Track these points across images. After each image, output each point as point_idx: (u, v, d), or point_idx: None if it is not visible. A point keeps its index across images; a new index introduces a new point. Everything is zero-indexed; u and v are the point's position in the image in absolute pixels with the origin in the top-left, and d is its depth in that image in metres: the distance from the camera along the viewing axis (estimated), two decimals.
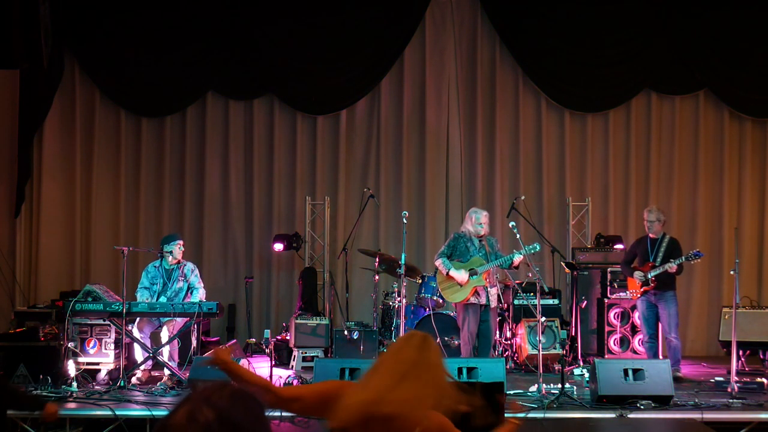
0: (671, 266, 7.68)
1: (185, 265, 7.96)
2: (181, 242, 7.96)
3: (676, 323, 7.86)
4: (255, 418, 1.47)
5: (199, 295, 7.77)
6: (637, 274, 7.93)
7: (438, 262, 7.69)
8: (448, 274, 7.54)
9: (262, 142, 10.60)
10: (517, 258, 7.48)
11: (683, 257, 7.74)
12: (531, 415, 6.10)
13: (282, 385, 6.87)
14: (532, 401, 6.46)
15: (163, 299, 7.75)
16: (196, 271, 8.00)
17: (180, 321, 7.60)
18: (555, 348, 8.28)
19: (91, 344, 7.64)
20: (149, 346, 7.61)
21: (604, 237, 9.86)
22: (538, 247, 7.55)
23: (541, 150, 10.51)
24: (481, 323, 7.57)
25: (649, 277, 7.81)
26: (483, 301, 7.54)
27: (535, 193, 10.44)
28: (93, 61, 10.42)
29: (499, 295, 7.95)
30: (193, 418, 1.42)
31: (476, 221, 7.68)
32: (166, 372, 7.45)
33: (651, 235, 8.05)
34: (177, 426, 1.42)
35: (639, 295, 7.99)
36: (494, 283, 7.65)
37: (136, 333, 7.58)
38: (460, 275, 7.48)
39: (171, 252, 7.84)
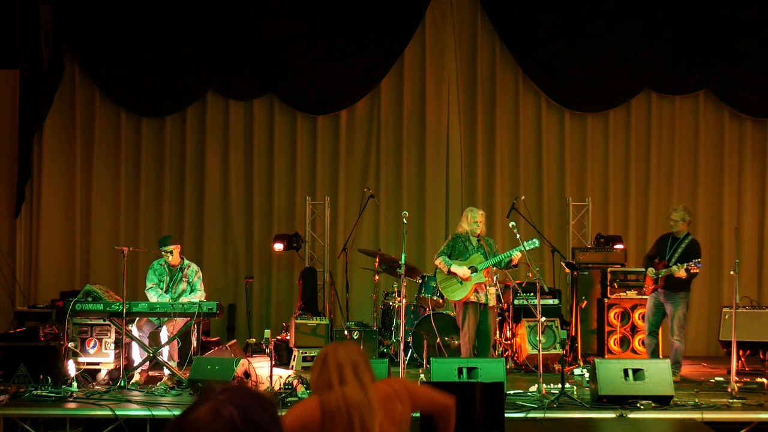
0: (678, 271, 7.56)
1: (189, 266, 7.96)
2: (171, 246, 7.85)
3: (680, 325, 7.75)
4: (272, 418, 1.51)
5: (198, 296, 7.76)
6: (650, 270, 7.89)
7: (438, 261, 7.70)
8: (449, 271, 7.55)
9: (262, 142, 10.60)
10: (516, 254, 7.47)
11: (685, 264, 7.54)
12: (531, 415, 6.11)
13: (282, 385, 6.86)
14: (532, 401, 6.46)
15: (167, 297, 7.75)
16: (200, 274, 7.99)
17: (180, 321, 7.60)
18: (555, 348, 8.27)
19: (91, 344, 7.63)
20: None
21: (604, 237, 9.86)
22: (537, 243, 7.53)
23: (541, 150, 10.51)
24: (480, 323, 7.58)
25: (659, 275, 7.76)
26: (482, 299, 7.55)
27: (535, 193, 10.43)
28: (93, 61, 10.42)
29: (498, 295, 7.95)
30: (218, 415, 1.44)
31: (472, 220, 7.69)
32: (166, 372, 7.45)
33: (674, 234, 7.94)
34: (201, 423, 1.44)
35: (650, 292, 7.97)
36: (493, 282, 7.66)
37: (135, 333, 7.58)
38: (462, 270, 7.49)
39: (168, 252, 7.85)
